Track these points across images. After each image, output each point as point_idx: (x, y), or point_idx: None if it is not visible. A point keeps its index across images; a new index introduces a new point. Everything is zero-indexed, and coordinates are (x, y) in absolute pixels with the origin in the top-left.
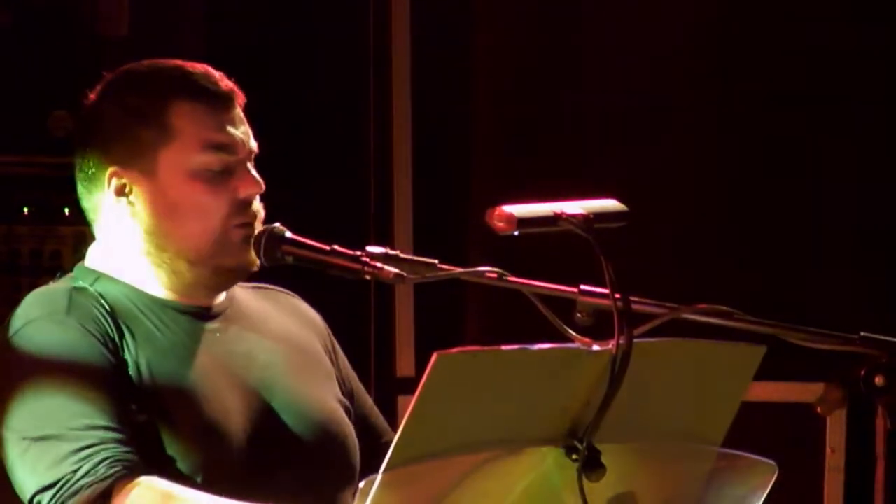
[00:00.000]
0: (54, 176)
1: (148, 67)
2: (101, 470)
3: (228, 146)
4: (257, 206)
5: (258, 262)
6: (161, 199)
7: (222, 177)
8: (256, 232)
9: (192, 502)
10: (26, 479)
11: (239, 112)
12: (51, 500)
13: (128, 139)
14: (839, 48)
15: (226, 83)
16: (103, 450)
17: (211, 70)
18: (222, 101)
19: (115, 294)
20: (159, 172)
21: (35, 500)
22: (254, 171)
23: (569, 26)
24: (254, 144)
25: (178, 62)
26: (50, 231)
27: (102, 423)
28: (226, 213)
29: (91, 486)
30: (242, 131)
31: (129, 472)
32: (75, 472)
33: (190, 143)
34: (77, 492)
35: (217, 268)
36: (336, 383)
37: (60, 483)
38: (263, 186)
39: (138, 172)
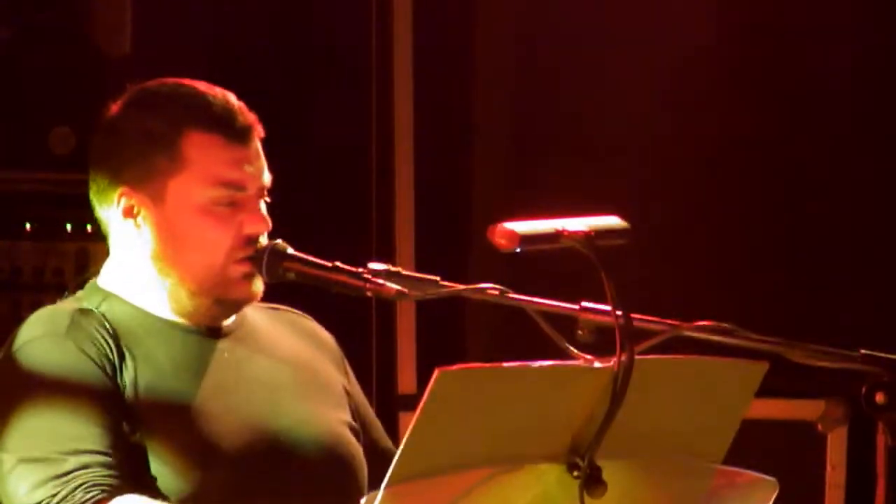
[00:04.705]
0: (56, 192)
1: (168, 91)
2: (78, 495)
3: (239, 183)
4: (263, 242)
5: (260, 294)
6: (167, 226)
7: (229, 211)
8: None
9: None
10: (9, 500)
11: (256, 146)
12: None
13: (139, 162)
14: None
15: (245, 116)
16: (84, 474)
17: (231, 100)
18: (239, 136)
19: (120, 315)
20: (167, 200)
21: None
22: (263, 209)
23: (573, 33)
24: (267, 179)
25: (200, 87)
26: (52, 247)
27: (88, 446)
28: (229, 247)
29: None
30: (257, 167)
31: (108, 495)
32: (53, 496)
33: (200, 175)
34: None
35: (217, 299)
36: (346, 407)
37: None
38: (270, 225)
39: (147, 197)
